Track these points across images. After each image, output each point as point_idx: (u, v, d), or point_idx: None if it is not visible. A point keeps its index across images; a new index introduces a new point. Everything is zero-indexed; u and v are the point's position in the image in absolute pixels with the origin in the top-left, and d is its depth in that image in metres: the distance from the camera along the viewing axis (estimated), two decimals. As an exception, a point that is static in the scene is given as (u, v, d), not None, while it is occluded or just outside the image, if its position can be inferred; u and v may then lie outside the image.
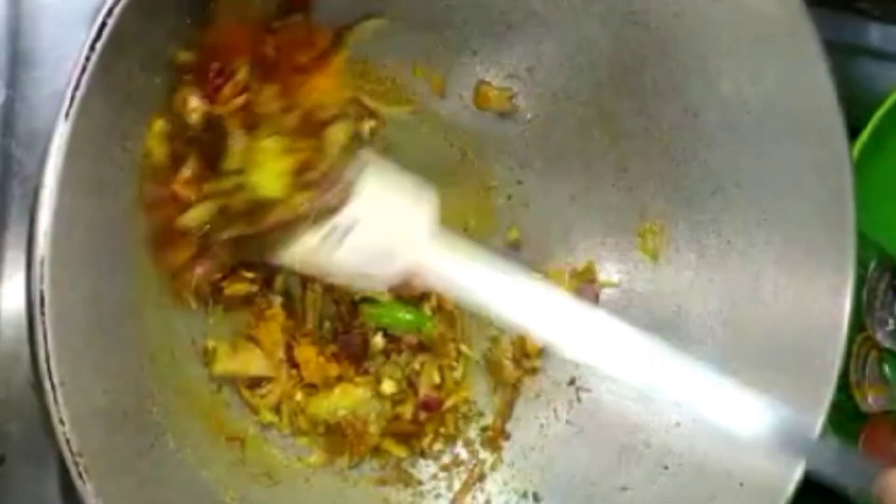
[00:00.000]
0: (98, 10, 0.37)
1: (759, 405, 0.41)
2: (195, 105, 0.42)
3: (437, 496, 0.51)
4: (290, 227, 0.42)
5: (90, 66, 0.36)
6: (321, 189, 0.42)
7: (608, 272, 0.54)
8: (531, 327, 0.43)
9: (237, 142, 0.43)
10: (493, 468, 0.52)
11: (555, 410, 0.53)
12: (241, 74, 0.42)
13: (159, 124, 0.42)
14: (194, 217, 0.42)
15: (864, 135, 0.55)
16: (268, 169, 0.42)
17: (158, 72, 0.41)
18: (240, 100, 0.42)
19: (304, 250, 0.43)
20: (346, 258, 0.43)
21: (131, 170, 0.41)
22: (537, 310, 0.42)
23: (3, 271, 0.47)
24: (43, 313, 0.36)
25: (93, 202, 0.39)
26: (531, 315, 0.42)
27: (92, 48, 0.36)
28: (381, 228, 0.43)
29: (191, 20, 0.41)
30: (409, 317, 0.51)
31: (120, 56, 0.37)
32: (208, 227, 0.43)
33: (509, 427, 0.53)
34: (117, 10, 0.37)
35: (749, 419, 0.40)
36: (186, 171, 0.42)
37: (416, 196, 0.44)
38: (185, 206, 0.42)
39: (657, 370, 0.42)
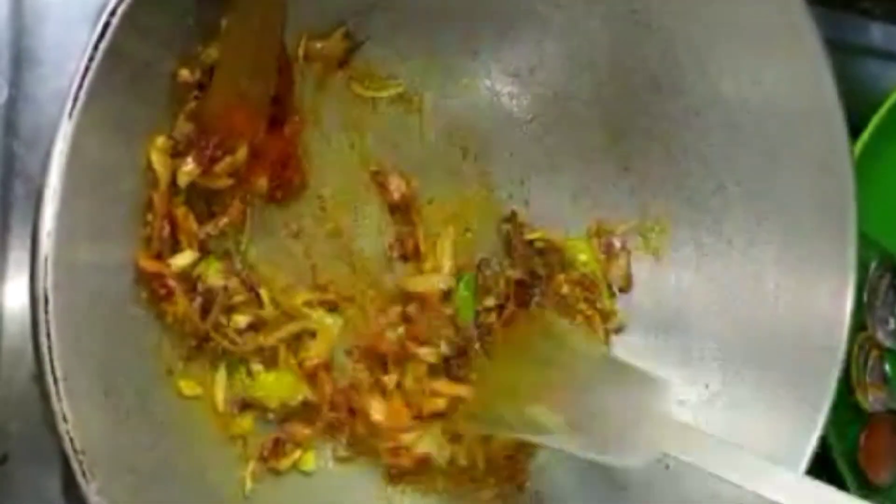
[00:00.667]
0: (102, 9, 0.37)
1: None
2: (188, 169, 0.42)
3: (439, 496, 0.51)
4: None
5: (94, 66, 0.36)
6: None
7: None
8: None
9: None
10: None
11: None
12: (241, 154, 0.43)
13: (161, 140, 0.42)
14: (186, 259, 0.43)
15: (865, 134, 0.55)
16: None
17: (162, 70, 0.41)
18: (231, 181, 0.43)
19: (542, 429, 0.44)
20: (586, 447, 0.44)
21: (135, 169, 0.42)
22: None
23: (6, 270, 0.47)
24: (46, 312, 0.36)
25: (96, 201, 0.39)
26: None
27: (96, 47, 0.36)
28: (622, 420, 0.43)
29: (195, 21, 0.41)
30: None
31: (124, 55, 0.37)
32: None
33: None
34: (121, 10, 0.37)
35: None
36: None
37: (651, 384, 0.44)
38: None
39: None
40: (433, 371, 0.49)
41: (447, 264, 0.50)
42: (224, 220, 0.45)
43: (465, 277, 0.51)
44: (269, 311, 0.47)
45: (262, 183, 0.46)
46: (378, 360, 0.49)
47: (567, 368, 0.45)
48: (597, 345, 0.47)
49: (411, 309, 0.49)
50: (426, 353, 0.49)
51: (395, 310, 0.49)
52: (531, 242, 0.52)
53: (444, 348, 0.49)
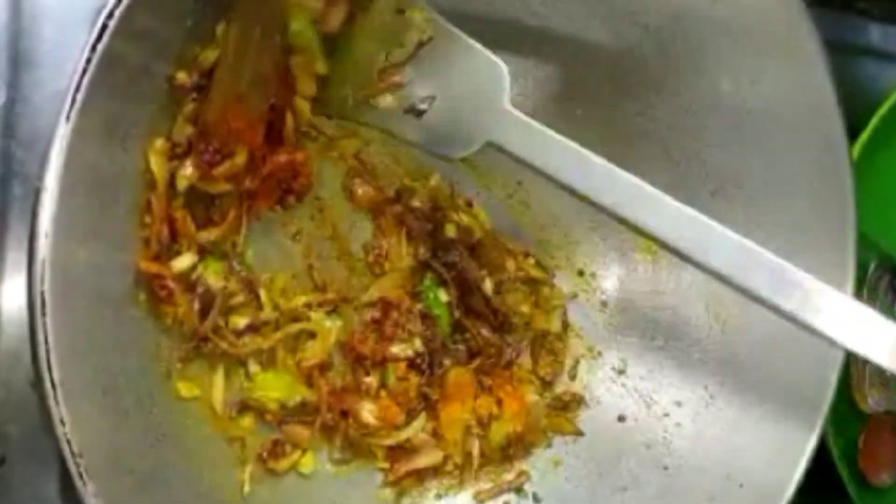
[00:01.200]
0: (99, 11, 0.37)
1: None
2: (187, 173, 0.42)
3: (438, 496, 0.51)
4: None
5: (91, 68, 0.36)
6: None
7: (608, 272, 0.54)
8: (605, 204, 0.43)
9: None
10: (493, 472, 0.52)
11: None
12: (240, 159, 0.43)
13: (160, 142, 0.42)
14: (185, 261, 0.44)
15: (864, 135, 0.55)
16: None
17: (159, 72, 0.41)
18: (229, 186, 0.44)
19: (383, 115, 0.44)
20: (424, 133, 0.44)
21: (132, 171, 0.41)
22: (610, 186, 0.42)
23: (4, 272, 0.47)
24: (44, 314, 0.36)
25: (94, 203, 0.39)
26: (605, 191, 0.42)
27: (93, 49, 0.36)
28: (458, 104, 0.44)
29: (192, 23, 0.41)
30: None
31: (121, 57, 0.37)
32: None
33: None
34: (118, 12, 0.37)
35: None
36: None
37: (490, 69, 0.44)
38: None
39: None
40: (413, 366, 0.50)
41: (405, 264, 0.50)
42: (223, 228, 0.45)
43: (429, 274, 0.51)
44: (267, 312, 0.47)
45: (270, 191, 0.46)
46: (361, 363, 0.50)
47: (405, 46, 0.45)
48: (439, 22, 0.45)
49: (377, 311, 0.50)
50: (399, 351, 0.49)
51: (370, 313, 0.50)
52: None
53: (418, 344, 0.49)
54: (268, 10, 0.43)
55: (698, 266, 0.42)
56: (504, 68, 0.44)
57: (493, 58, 0.44)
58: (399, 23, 0.44)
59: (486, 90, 0.44)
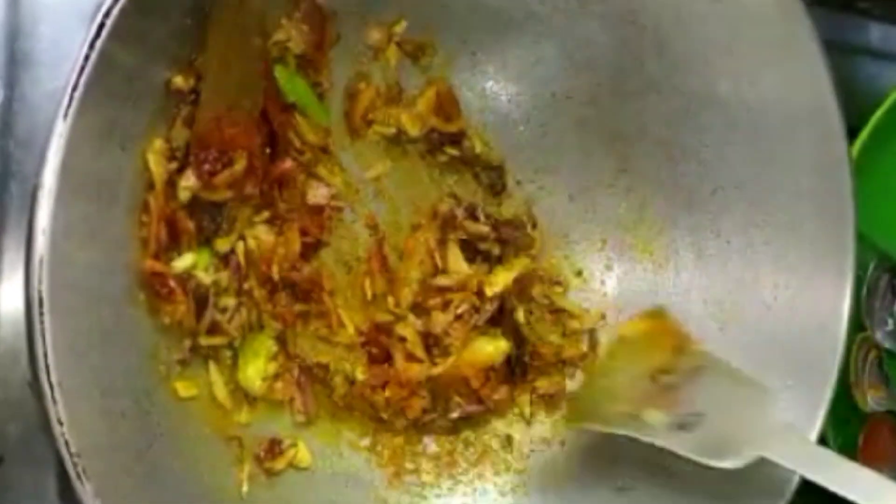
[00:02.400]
0: (97, 10, 0.37)
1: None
2: (188, 184, 0.43)
3: (438, 496, 0.51)
4: None
5: (89, 66, 0.36)
6: None
7: (608, 272, 0.54)
8: None
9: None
10: (494, 473, 0.52)
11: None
12: (239, 165, 0.43)
13: (158, 143, 0.42)
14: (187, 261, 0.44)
15: (864, 135, 0.55)
16: None
17: (157, 72, 0.41)
18: (231, 193, 0.44)
19: (650, 429, 0.45)
20: (690, 447, 0.44)
21: (130, 170, 0.41)
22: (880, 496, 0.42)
23: (1, 271, 0.47)
24: (41, 314, 0.36)
25: (91, 202, 0.39)
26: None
27: (91, 48, 0.36)
28: (726, 421, 0.45)
29: (191, 21, 0.41)
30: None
31: (118, 56, 0.37)
32: None
33: (513, 431, 0.53)
34: (116, 10, 0.37)
35: None
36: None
37: (757, 390, 0.45)
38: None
39: None
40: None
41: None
42: (231, 237, 0.46)
43: None
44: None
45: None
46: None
47: (675, 372, 0.46)
48: (701, 349, 0.48)
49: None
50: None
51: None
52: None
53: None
54: (245, 16, 0.43)
55: None
56: (772, 393, 0.45)
57: (762, 384, 0.45)
58: (675, 357, 0.46)
59: (755, 412, 0.44)
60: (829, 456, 0.43)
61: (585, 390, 0.51)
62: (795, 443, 0.44)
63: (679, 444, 0.45)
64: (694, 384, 0.46)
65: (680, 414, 0.45)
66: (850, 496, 0.41)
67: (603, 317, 0.54)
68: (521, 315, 0.51)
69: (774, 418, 0.44)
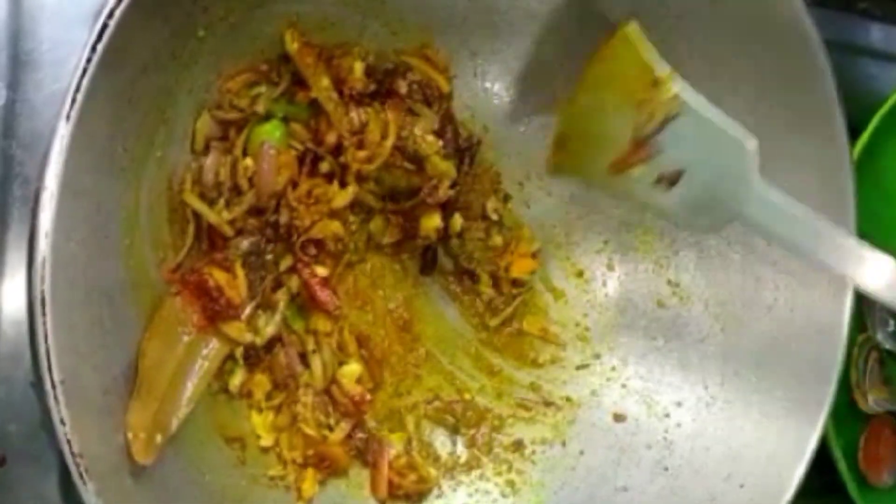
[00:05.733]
0: (99, 12, 0.37)
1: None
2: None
3: (438, 496, 0.51)
4: None
5: (91, 68, 0.36)
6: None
7: (608, 273, 0.54)
8: (852, 277, 0.44)
9: None
10: (495, 473, 0.52)
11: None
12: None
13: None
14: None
15: (865, 135, 0.55)
16: None
17: (159, 73, 0.41)
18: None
19: (635, 184, 0.45)
20: (672, 205, 0.45)
21: (132, 171, 0.42)
22: (857, 263, 0.43)
23: (4, 272, 0.47)
24: (44, 313, 0.36)
25: (93, 203, 0.39)
26: (851, 268, 0.43)
27: (93, 50, 0.36)
28: (706, 179, 0.45)
29: (191, 21, 0.41)
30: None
31: (121, 58, 0.38)
32: None
33: (514, 431, 0.53)
34: (118, 12, 0.37)
35: None
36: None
37: (738, 143, 0.45)
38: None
39: None
40: None
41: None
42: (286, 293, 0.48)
43: None
44: None
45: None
46: None
47: (652, 121, 0.46)
48: (675, 91, 0.46)
49: None
50: None
51: None
52: None
53: None
54: None
55: None
56: (752, 145, 0.44)
57: (739, 135, 0.45)
58: (651, 95, 0.45)
59: (733, 166, 0.44)
60: (809, 217, 0.44)
61: (567, 130, 0.49)
62: (773, 201, 0.44)
63: (662, 201, 0.45)
64: (672, 135, 0.45)
65: (661, 166, 0.45)
66: (828, 261, 0.43)
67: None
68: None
69: (753, 174, 0.44)
